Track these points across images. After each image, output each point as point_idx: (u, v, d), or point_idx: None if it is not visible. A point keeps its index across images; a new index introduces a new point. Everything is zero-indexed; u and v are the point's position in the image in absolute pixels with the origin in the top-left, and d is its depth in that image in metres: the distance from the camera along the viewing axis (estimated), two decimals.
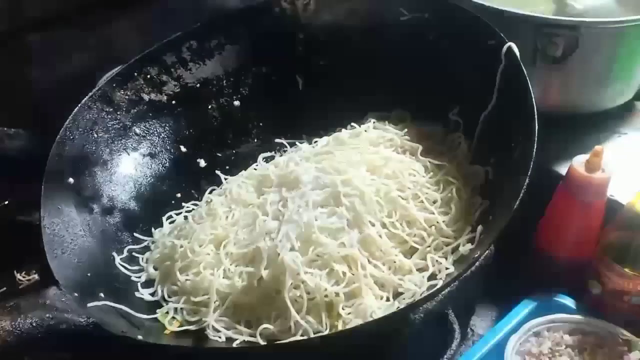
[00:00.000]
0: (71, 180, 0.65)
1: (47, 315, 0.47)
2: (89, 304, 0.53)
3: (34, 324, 0.46)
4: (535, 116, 0.55)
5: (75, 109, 0.69)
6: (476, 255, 0.49)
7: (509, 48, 0.63)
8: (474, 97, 0.68)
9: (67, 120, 0.68)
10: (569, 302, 0.67)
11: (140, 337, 0.51)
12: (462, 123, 0.70)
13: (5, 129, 1.01)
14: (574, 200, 0.66)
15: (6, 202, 0.89)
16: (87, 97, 0.71)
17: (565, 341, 0.64)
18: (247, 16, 0.82)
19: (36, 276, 0.74)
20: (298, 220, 0.60)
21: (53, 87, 1.03)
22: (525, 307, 0.67)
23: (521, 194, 0.49)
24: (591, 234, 0.67)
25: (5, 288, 0.73)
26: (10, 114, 1.03)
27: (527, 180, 0.51)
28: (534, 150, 0.53)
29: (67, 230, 0.61)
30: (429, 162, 0.65)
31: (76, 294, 0.52)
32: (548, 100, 0.77)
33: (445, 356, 0.60)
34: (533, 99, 0.56)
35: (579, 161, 0.65)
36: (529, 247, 0.72)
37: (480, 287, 0.69)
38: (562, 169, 0.72)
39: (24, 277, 0.75)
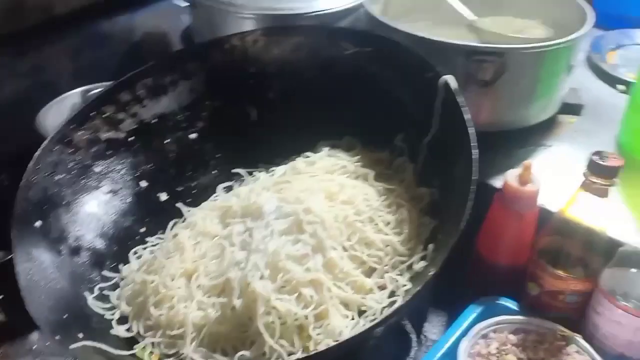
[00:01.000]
0: (38, 223, 0.66)
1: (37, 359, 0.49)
2: (71, 346, 0.55)
3: None
4: (472, 141, 0.61)
5: (37, 153, 0.70)
6: (431, 272, 0.54)
7: (445, 81, 0.69)
8: (417, 124, 0.74)
9: (30, 164, 0.69)
10: (511, 304, 0.73)
11: None
12: (406, 148, 0.76)
13: None
14: (509, 211, 0.71)
15: None
16: (47, 140, 0.72)
17: (510, 340, 0.69)
18: (199, 52, 0.84)
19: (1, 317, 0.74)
20: (265, 249, 0.63)
21: None
22: (472, 312, 0.72)
23: (466, 214, 0.55)
24: (526, 241, 0.73)
25: None
26: None
27: (471, 202, 0.56)
28: (475, 174, 0.58)
29: (39, 274, 0.62)
30: (381, 186, 0.71)
31: (57, 337, 0.54)
32: (480, 119, 0.82)
33: None
34: (470, 127, 0.62)
35: (511, 175, 0.71)
36: (472, 255, 0.77)
37: (431, 296, 0.74)
38: (497, 182, 0.78)
39: None
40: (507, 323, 0.70)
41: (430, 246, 0.61)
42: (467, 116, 0.64)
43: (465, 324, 0.71)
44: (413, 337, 0.66)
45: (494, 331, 0.70)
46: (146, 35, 1.15)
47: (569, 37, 0.80)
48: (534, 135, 0.88)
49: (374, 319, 0.58)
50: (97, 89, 0.98)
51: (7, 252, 0.79)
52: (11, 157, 0.97)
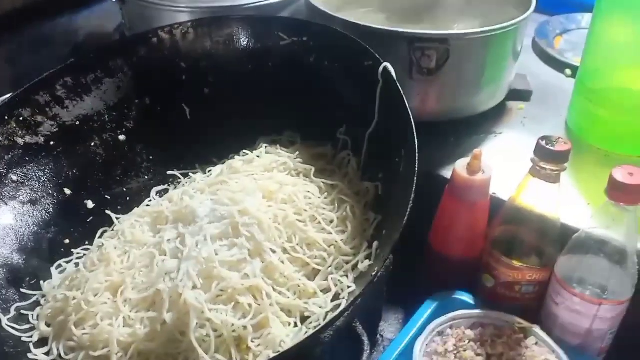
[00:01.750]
0: None
1: None
2: None
3: None
4: (414, 132, 0.57)
5: None
6: (374, 272, 0.50)
7: (385, 68, 0.65)
8: (358, 115, 0.70)
9: None
10: (467, 297, 0.70)
11: None
12: (349, 141, 0.72)
13: None
14: (460, 202, 0.69)
15: None
16: None
17: (468, 336, 0.67)
18: (124, 48, 0.79)
19: None
20: (198, 256, 0.58)
21: None
22: (428, 308, 0.69)
23: (409, 208, 0.51)
24: (479, 232, 0.71)
25: None
26: None
27: (412, 194, 0.53)
28: (416, 165, 0.55)
29: None
30: (323, 182, 0.66)
31: None
32: (426, 109, 0.81)
33: None
34: (410, 116, 0.59)
35: (461, 165, 0.68)
36: (425, 249, 0.74)
37: (384, 294, 0.71)
38: (447, 173, 0.75)
39: None
40: (464, 318, 0.68)
41: (375, 244, 0.57)
42: (406, 104, 0.60)
43: (421, 321, 0.68)
44: (365, 339, 0.62)
45: (451, 327, 0.68)
46: (89, 36, 1.09)
47: (513, 21, 0.78)
48: (483, 123, 0.86)
49: (318, 325, 0.54)
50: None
51: None
52: None
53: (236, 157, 0.74)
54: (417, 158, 0.54)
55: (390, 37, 0.75)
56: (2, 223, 0.66)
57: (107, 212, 0.73)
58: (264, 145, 0.74)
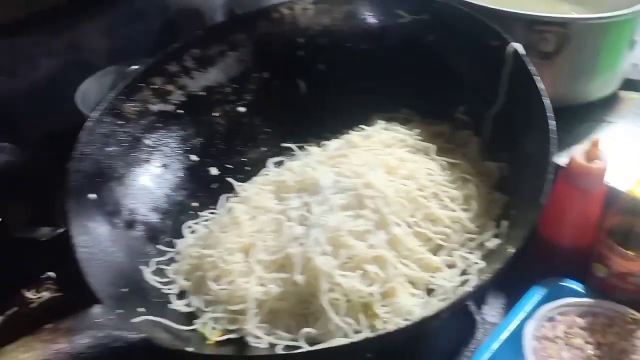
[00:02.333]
0: (92, 196, 0.65)
1: (100, 334, 0.48)
2: (133, 320, 0.54)
3: (91, 345, 0.46)
4: (549, 112, 0.58)
5: (88, 124, 0.69)
6: (512, 249, 0.52)
7: (514, 48, 0.65)
8: (479, 95, 0.71)
9: (81, 135, 0.68)
10: (577, 286, 0.70)
11: (190, 349, 0.52)
12: (469, 121, 0.72)
13: None
14: (575, 189, 0.69)
15: None
16: (97, 111, 0.70)
17: (578, 323, 0.67)
18: (247, 22, 0.82)
19: (46, 293, 0.73)
20: (325, 224, 0.61)
21: (20, 95, 1.02)
22: (536, 294, 0.70)
23: (546, 188, 0.52)
24: (592, 220, 0.71)
25: (16, 308, 0.72)
26: None
27: (550, 176, 0.53)
28: (552, 144, 0.55)
29: (96, 247, 0.61)
30: (444, 160, 0.68)
31: (119, 311, 0.53)
32: None
33: (470, 346, 0.63)
34: (545, 98, 0.59)
35: (578, 152, 0.69)
36: (533, 235, 0.75)
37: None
38: (559, 159, 0.75)
39: (33, 295, 0.73)
40: (574, 305, 0.68)
41: (504, 223, 0.58)
42: (540, 85, 0.60)
43: (528, 306, 0.69)
44: (478, 318, 0.63)
45: (560, 314, 0.68)
46: (180, 11, 1.14)
47: (635, 8, 0.76)
48: (595, 111, 0.85)
49: (446, 298, 0.56)
50: (133, 65, 0.97)
51: (53, 228, 0.78)
52: (50, 135, 0.97)
53: (352, 132, 0.76)
54: (552, 140, 0.55)
55: (508, 18, 0.75)
56: (140, 184, 0.71)
57: (229, 179, 0.77)
58: (381, 121, 0.76)
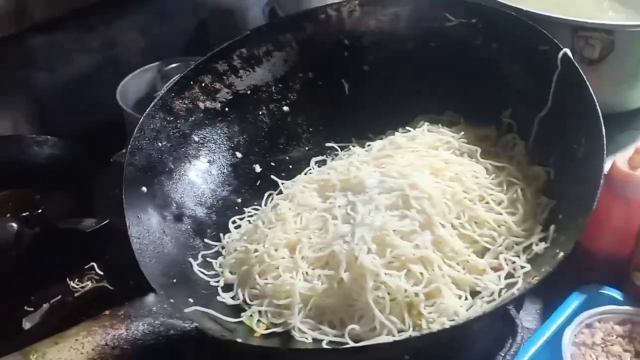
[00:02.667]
0: (144, 188, 0.67)
1: (156, 322, 0.49)
2: (185, 310, 0.55)
3: (146, 331, 0.48)
4: (601, 119, 0.58)
5: (141, 119, 0.71)
6: (561, 254, 0.52)
7: (565, 53, 0.65)
8: (526, 99, 0.71)
9: (135, 131, 0.70)
10: (616, 294, 0.70)
11: (240, 340, 0.53)
12: (515, 124, 0.72)
13: (34, 136, 1.02)
14: (617, 197, 0.68)
15: (39, 211, 0.89)
16: (150, 106, 0.72)
17: (616, 331, 0.67)
18: (293, 23, 0.83)
19: (89, 283, 0.75)
20: (371, 223, 0.62)
21: (60, 90, 1.05)
22: (575, 300, 0.70)
23: (597, 193, 0.52)
24: (632, 228, 0.70)
25: (59, 296, 0.74)
26: (20, 119, 1.04)
27: (601, 182, 0.53)
28: (604, 151, 0.55)
29: (148, 238, 0.62)
30: (490, 164, 0.68)
31: (172, 301, 0.54)
32: None
33: (511, 350, 0.63)
34: (597, 103, 0.59)
35: (621, 159, 0.68)
36: None
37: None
38: None
39: (77, 284, 0.76)
40: (613, 313, 0.68)
41: (552, 227, 0.58)
42: (591, 91, 0.60)
43: (567, 313, 0.69)
44: (518, 322, 0.63)
45: (599, 321, 0.68)
46: (212, 11, 1.16)
47: None
48: (638, 119, 0.85)
49: (490, 300, 0.56)
50: (172, 63, 1.00)
51: (97, 220, 0.81)
52: (89, 130, 1.00)
53: (397, 133, 0.77)
54: (604, 146, 0.55)
55: (553, 24, 0.75)
56: (187, 178, 0.73)
57: (272, 177, 0.78)
58: (426, 123, 0.76)
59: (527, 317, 0.76)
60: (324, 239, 0.64)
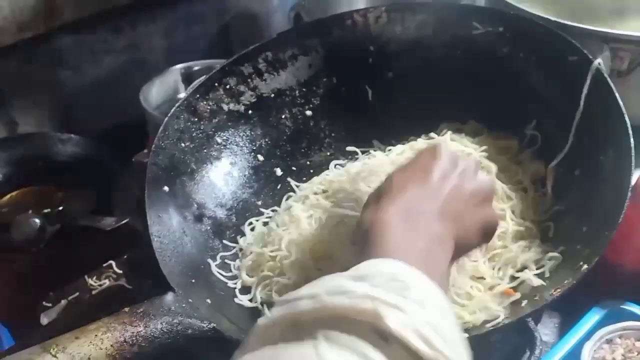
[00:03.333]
0: (166, 188, 0.67)
1: (174, 320, 0.49)
2: (203, 310, 0.55)
3: (165, 330, 0.48)
4: (630, 131, 0.57)
5: (165, 119, 0.71)
6: (585, 265, 0.51)
7: (595, 66, 0.64)
8: (552, 111, 0.70)
9: (159, 130, 0.70)
10: (637, 309, 0.69)
11: None
12: (539, 136, 0.72)
13: (58, 134, 1.03)
14: None
15: (60, 208, 0.90)
16: (175, 107, 0.73)
17: (637, 348, 0.66)
18: (320, 28, 0.83)
19: (107, 281, 0.76)
20: None
21: (84, 90, 1.06)
22: (595, 315, 0.69)
23: (624, 207, 0.51)
24: None
25: (77, 293, 0.75)
26: (46, 117, 1.06)
27: (629, 195, 0.52)
28: (632, 164, 0.55)
29: (168, 237, 0.63)
30: (502, 186, 0.67)
31: (190, 300, 0.54)
32: None
33: None
34: (626, 116, 0.58)
35: None
36: None
37: None
38: None
39: (95, 282, 0.76)
40: (635, 329, 0.67)
41: (574, 239, 0.58)
42: (620, 104, 0.60)
43: (586, 327, 0.68)
44: (537, 335, 0.62)
45: (620, 337, 0.67)
46: (236, 15, 1.16)
47: None
48: None
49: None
50: (195, 66, 1.01)
51: (117, 219, 0.81)
52: (112, 130, 1.01)
53: (419, 139, 0.76)
54: (632, 159, 0.54)
55: (581, 34, 0.74)
56: (209, 180, 0.73)
57: (289, 179, 0.78)
58: (449, 132, 0.75)
59: (544, 331, 0.75)
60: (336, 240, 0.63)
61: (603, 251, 0.52)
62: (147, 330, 0.48)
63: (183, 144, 0.72)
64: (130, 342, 0.46)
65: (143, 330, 0.47)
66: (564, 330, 0.71)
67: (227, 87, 0.78)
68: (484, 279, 0.60)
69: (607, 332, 0.67)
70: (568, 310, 0.73)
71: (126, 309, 0.50)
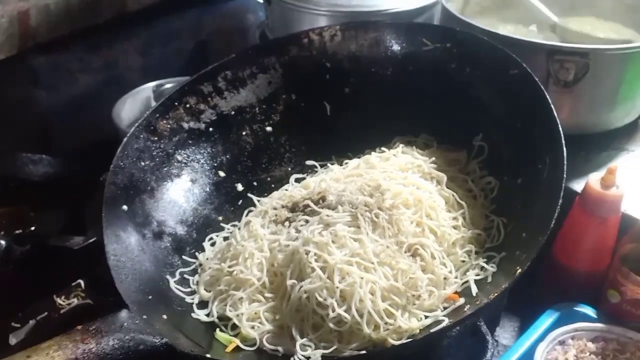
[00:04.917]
0: (125, 207, 0.69)
1: (126, 337, 0.51)
2: (157, 326, 0.57)
3: (116, 346, 0.50)
4: (562, 139, 0.60)
5: (125, 139, 0.73)
6: (519, 269, 0.54)
7: (533, 78, 0.67)
8: (497, 122, 0.73)
9: (118, 150, 0.72)
10: (589, 311, 0.71)
11: (209, 355, 0.55)
12: (486, 147, 0.75)
13: (30, 155, 1.04)
14: (591, 216, 0.70)
15: (32, 228, 0.91)
16: (134, 126, 0.75)
17: (589, 348, 0.68)
18: (278, 47, 0.86)
19: (75, 300, 0.77)
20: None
21: (59, 109, 1.07)
22: (549, 317, 0.71)
23: (556, 212, 0.54)
24: (607, 247, 0.72)
25: (46, 313, 0.75)
26: (20, 137, 1.07)
27: (560, 200, 0.55)
28: (564, 171, 0.57)
29: (126, 255, 0.65)
30: (452, 195, 0.70)
31: (144, 317, 0.56)
32: (559, 121, 0.82)
33: None
34: (559, 126, 0.61)
35: (594, 179, 0.70)
36: (547, 259, 0.76)
37: (505, 300, 0.73)
38: (575, 186, 0.76)
39: (63, 301, 0.77)
40: (586, 330, 0.69)
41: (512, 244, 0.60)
42: (554, 113, 0.63)
43: (541, 329, 0.70)
44: (489, 338, 0.65)
45: (572, 338, 0.69)
46: (212, 32, 1.18)
47: None
48: (615, 139, 0.86)
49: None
50: (168, 83, 1.02)
51: (85, 237, 0.82)
52: (83, 148, 1.02)
53: (373, 153, 0.79)
54: (564, 166, 0.57)
55: (528, 48, 0.77)
56: (169, 197, 0.75)
57: (249, 195, 0.80)
58: (401, 145, 0.78)
59: (504, 334, 0.77)
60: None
61: (534, 256, 0.55)
62: (99, 347, 0.49)
63: (143, 163, 0.74)
64: (82, 358, 0.48)
65: (95, 347, 0.49)
66: (522, 333, 0.72)
67: (187, 105, 0.80)
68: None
69: (560, 333, 0.69)
70: (527, 314, 0.75)
71: (79, 327, 0.51)
